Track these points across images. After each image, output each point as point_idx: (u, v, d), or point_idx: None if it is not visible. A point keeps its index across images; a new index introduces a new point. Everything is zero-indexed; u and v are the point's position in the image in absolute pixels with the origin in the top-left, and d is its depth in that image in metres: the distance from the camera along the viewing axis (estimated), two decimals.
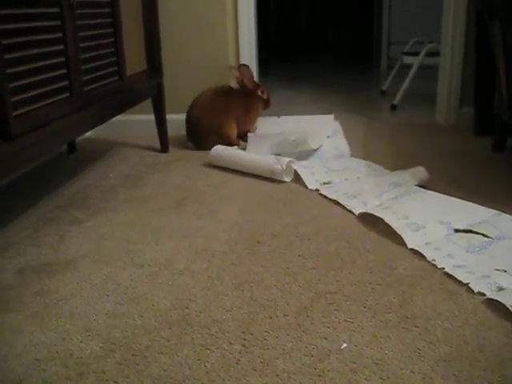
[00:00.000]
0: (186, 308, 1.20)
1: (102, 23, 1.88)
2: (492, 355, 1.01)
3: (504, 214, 1.58)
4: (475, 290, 1.23)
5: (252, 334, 1.09)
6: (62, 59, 1.57)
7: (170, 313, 1.18)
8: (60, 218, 1.72)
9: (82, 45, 1.69)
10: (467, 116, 2.82)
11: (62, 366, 1.02)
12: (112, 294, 1.26)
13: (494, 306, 1.17)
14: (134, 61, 2.19)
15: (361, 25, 6.76)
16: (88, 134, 2.82)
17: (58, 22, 1.54)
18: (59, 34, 1.55)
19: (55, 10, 1.53)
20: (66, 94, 1.60)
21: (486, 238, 1.44)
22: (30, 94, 1.39)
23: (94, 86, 1.79)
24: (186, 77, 2.79)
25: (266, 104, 2.62)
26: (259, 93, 2.56)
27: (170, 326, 1.13)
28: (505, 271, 1.27)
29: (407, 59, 3.58)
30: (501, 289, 1.22)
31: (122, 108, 2.05)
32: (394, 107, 3.41)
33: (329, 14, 7.30)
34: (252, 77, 2.59)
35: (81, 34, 1.68)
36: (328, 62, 6.18)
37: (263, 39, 5.54)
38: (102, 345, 1.08)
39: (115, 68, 1.99)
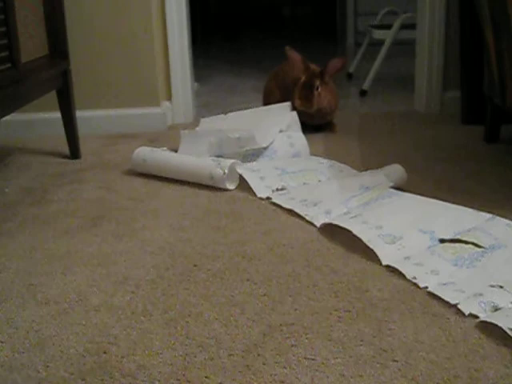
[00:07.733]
0: (104, 353, 1.18)
1: None
2: None
3: (499, 218, 1.62)
4: (466, 312, 1.25)
5: (189, 382, 1.09)
6: None
7: (84, 360, 1.17)
8: None
9: None
10: (453, 101, 2.89)
11: None
12: (8, 341, 1.24)
13: (489, 329, 1.19)
14: (33, 44, 2.17)
15: None
16: None
17: None
18: None
19: None
20: None
21: (477, 248, 1.47)
22: None
23: None
24: (101, 63, 2.77)
25: None
26: None
27: (83, 377, 1.11)
28: (501, 287, 1.30)
29: (378, 34, 3.64)
30: (497, 309, 1.24)
31: (16, 103, 2.02)
32: (363, 93, 3.47)
33: None
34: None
35: None
36: (282, 39, 6.23)
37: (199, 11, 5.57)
38: None
39: (6, 53, 1.96)
